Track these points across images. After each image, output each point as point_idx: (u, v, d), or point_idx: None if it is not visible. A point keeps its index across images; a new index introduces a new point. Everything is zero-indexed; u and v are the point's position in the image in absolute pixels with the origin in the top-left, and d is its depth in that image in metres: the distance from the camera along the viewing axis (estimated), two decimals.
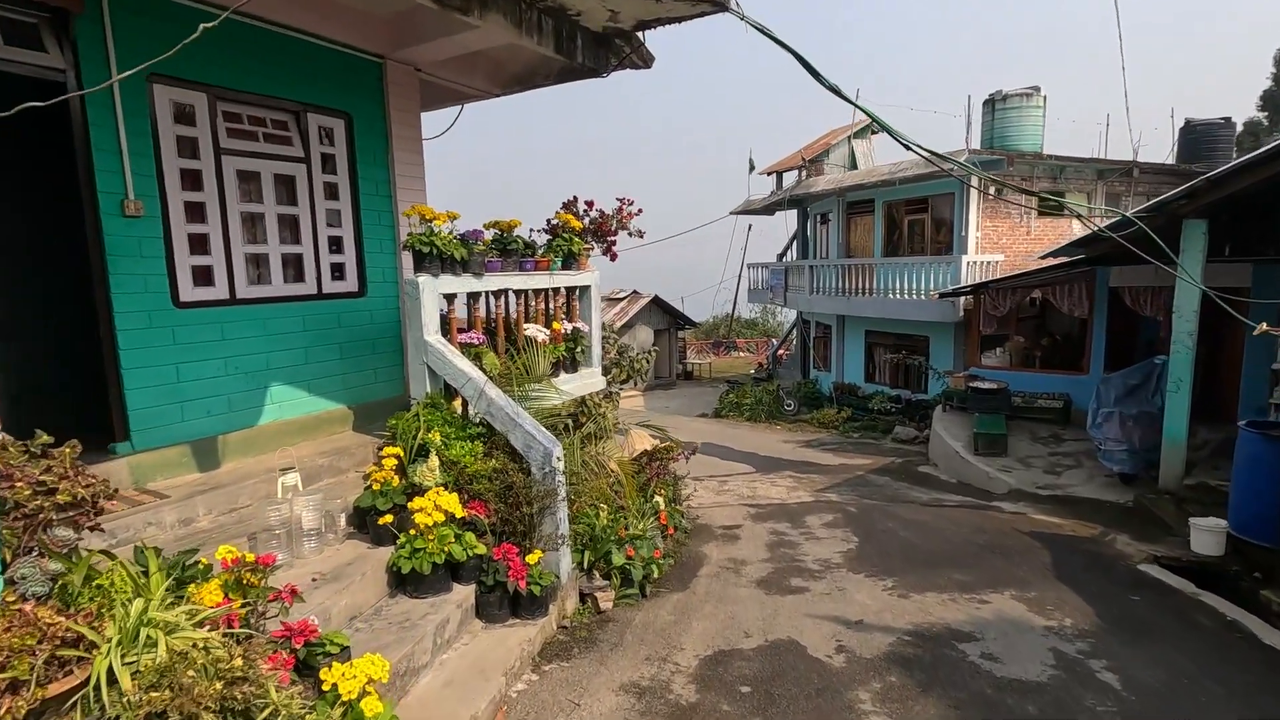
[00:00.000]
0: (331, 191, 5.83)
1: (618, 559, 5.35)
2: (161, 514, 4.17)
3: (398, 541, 4.24)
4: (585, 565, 5.33)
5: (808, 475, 11.93)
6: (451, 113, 7.90)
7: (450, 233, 5.29)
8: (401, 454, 4.76)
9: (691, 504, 9.43)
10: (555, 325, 6.45)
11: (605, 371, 12.08)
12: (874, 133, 23.16)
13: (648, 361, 12.60)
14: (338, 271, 5.92)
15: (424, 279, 5.07)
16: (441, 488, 4.51)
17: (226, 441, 5.04)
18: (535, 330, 6.15)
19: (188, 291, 4.87)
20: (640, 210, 7.15)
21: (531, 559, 4.41)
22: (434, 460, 4.52)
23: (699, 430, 16.69)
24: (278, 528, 4.01)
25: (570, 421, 8.16)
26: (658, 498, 7.56)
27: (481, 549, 4.43)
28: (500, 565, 4.40)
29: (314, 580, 3.92)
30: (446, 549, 4.20)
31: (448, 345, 5.17)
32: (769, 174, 23.37)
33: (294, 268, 5.60)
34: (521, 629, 4.35)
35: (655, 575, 5.76)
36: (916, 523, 8.10)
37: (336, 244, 5.90)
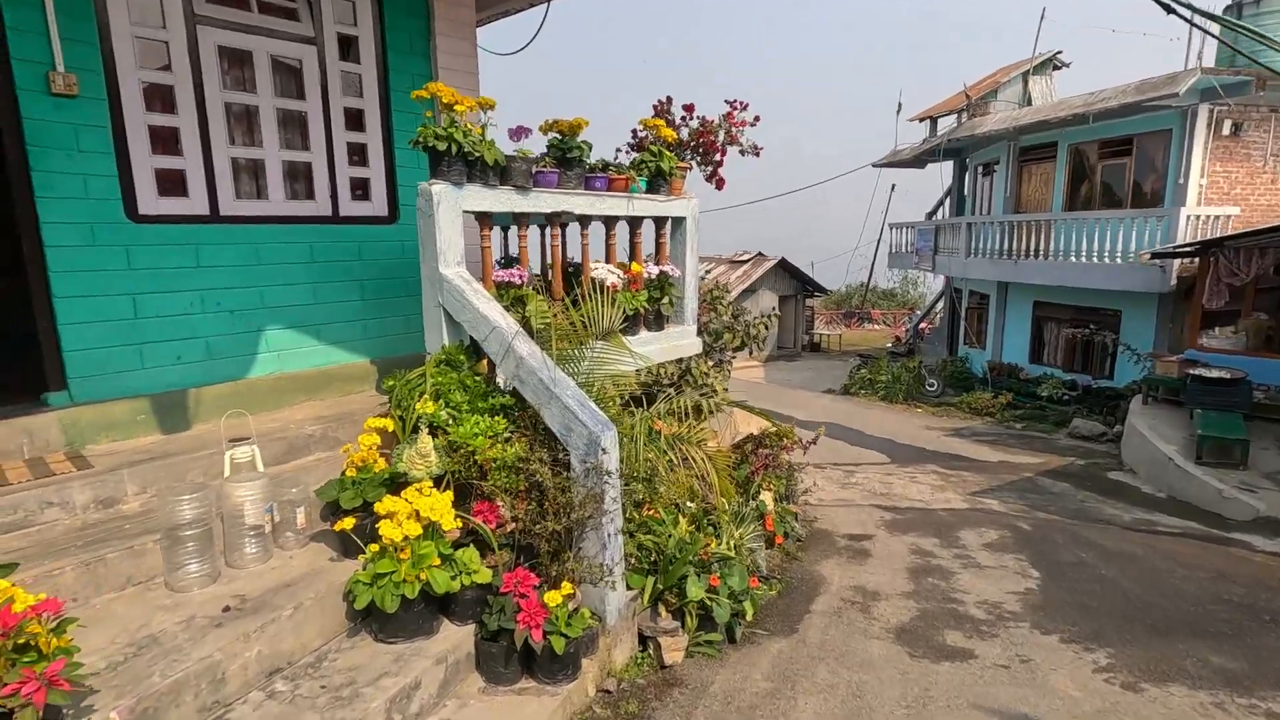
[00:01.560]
0: (353, 85, 4.55)
1: (695, 590, 3.79)
2: (70, 491, 3.10)
3: (364, 557, 2.92)
4: (650, 596, 3.82)
5: (957, 472, 9.72)
6: (520, 24, 6.36)
7: (482, 127, 3.83)
8: (394, 427, 3.44)
9: (809, 499, 7.68)
10: (634, 266, 4.90)
11: (715, 336, 10.41)
12: (1056, 68, 19.41)
13: (767, 327, 10.77)
14: (359, 189, 4.67)
15: (440, 188, 3.66)
16: (434, 482, 3.14)
17: (203, 397, 3.95)
18: (605, 271, 4.63)
19: (149, 202, 3.76)
20: (757, 119, 5.37)
21: (553, 597, 2.95)
22: (425, 441, 3.15)
23: (824, 409, 14.66)
24: (193, 525, 2.79)
25: (671, 390, 6.67)
26: (764, 495, 5.92)
27: (484, 575, 3.02)
28: (508, 602, 2.98)
29: (226, 610, 2.67)
30: (424, 575, 2.81)
31: (470, 282, 3.76)
32: (921, 120, 20.29)
33: (300, 181, 4.40)
34: (535, 700, 2.91)
35: (749, 614, 4.14)
36: (1123, 556, 5.89)
37: (359, 154, 4.64)
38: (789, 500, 6.86)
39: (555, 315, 4.15)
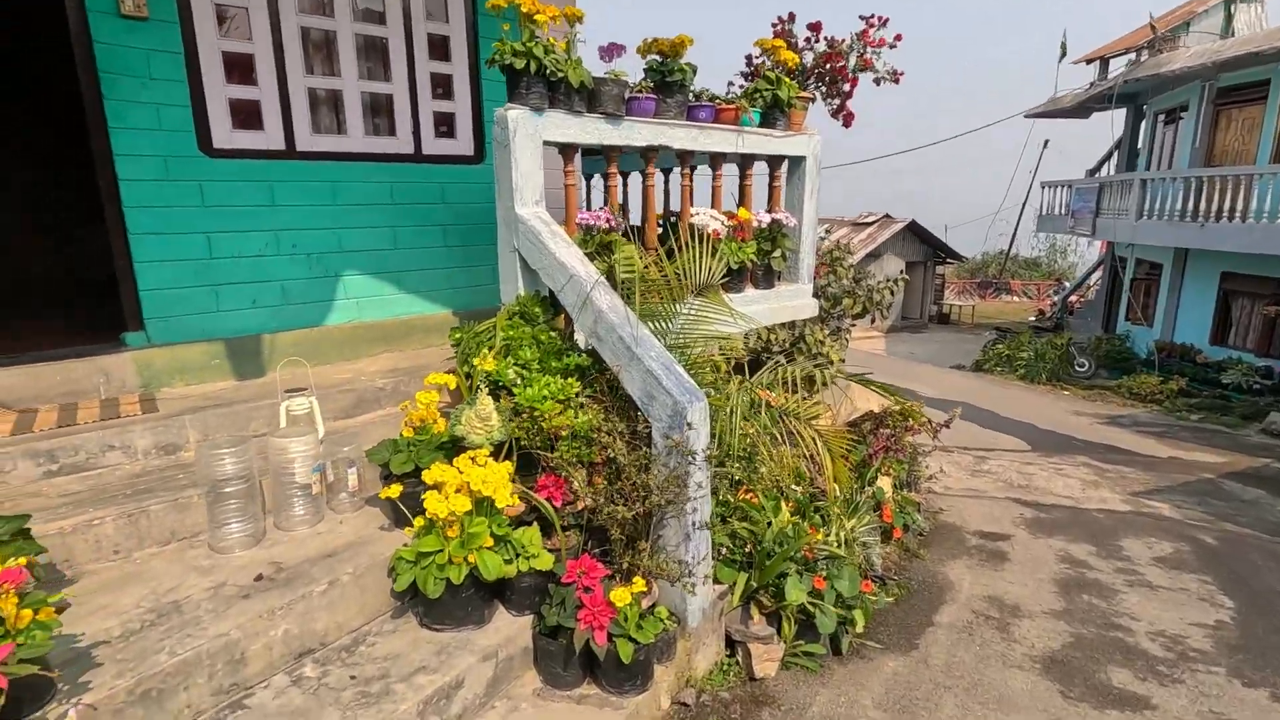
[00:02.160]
0: (437, 7, 4.15)
1: (795, 593, 3.21)
2: (132, 435, 2.96)
3: (410, 531, 2.57)
4: (742, 594, 3.28)
5: (1115, 467, 8.39)
6: None
7: (567, 42, 3.31)
8: (457, 385, 3.07)
9: (932, 487, 6.82)
10: (742, 213, 4.25)
11: (832, 302, 9.54)
12: None
13: (892, 293, 9.74)
14: (444, 125, 4.31)
15: (518, 114, 3.19)
16: (495, 450, 2.73)
17: (277, 343, 3.77)
18: (706, 216, 4.02)
19: (223, 134, 3.55)
20: (899, 38, 4.50)
21: (621, 595, 2.48)
22: (485, 402, 2.74)
23: (953, 386, 13.33)
24: (234, 481, 2.54)
25: (781, 358, 6.07)
26: (881, 481, 5.20)
27: (544, 560, 2.60)
28: (569, 595, 2.54)
29: (258, 579, 2.40)
30: (472, 559, 2.42)
31: (549, 224, 3.29)
32: (1089, 61, 17.70)
33: (381, 115, 4.08)
34: (595, 712, 2.48)
35: (859, 624, 3.51)
36: None
37: (443, 86, 4.27)
38: (910, 488, 6.06)
39: (646, 266, 3.61)
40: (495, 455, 2.79)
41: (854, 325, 10.61)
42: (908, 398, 7.52)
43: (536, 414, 2.82)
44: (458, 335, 3.20)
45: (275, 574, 2.43)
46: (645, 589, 2.61)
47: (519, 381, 2.98)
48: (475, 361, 2.90)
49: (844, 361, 9.63)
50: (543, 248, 3.18)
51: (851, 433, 5.37)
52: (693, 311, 3.64)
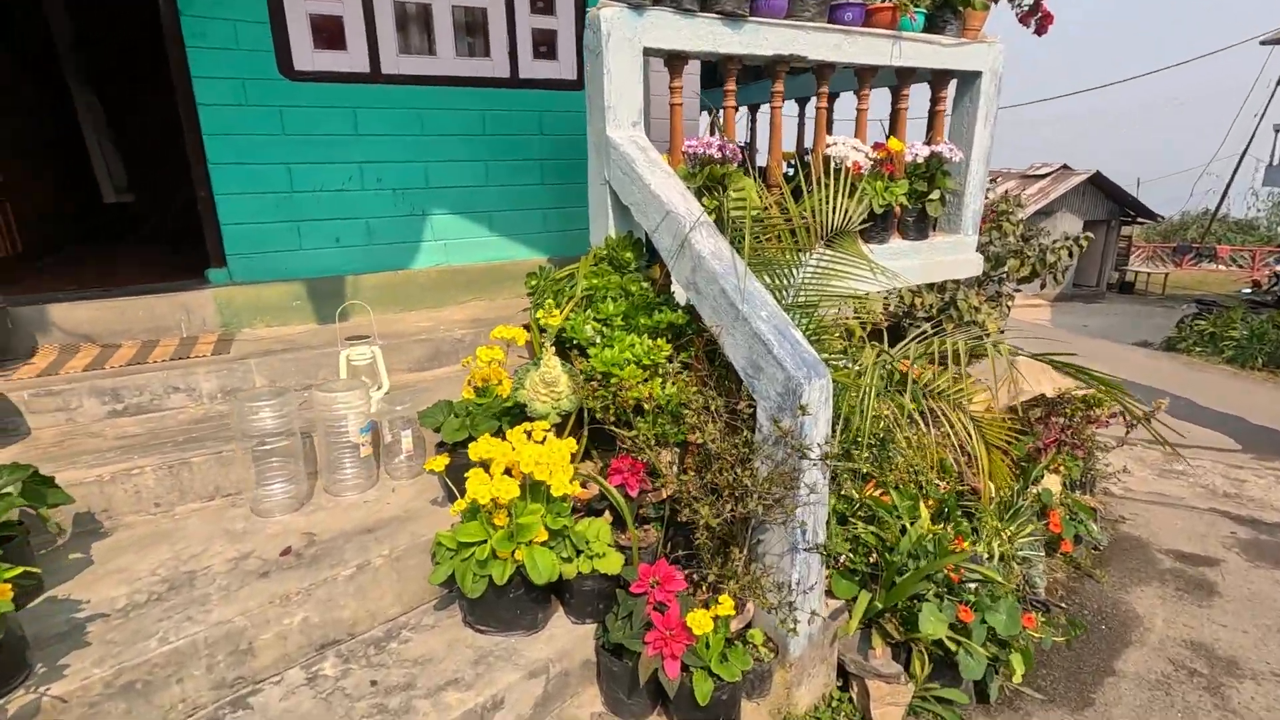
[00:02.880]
0: None
1: (933, 625, 2.53)
2: (197, 378, 2.78)
3: (456, 509, 2.16)
4: (863, 616, 2.64)
5: None
6: None
7: None
8: (527, 340, 2.61)
9: (1109, 487, 5.70)
10: (893, 143, 3.44)
11: (994, 262, 8.32)
12: None
13: (1070, 254, 8.32)
14: (543, 45, 3.80)
15: (612, 14, 2.60)
16: (563, 422, 2.26)
17: (360, 286, 3.52)
18: (845, 147, 3.27)
19: (304, 55, 3.26)
20: None
21: (700, 621, 1.94)
22: (551, 364, 2.25)
23: (1138, 367, 11.43)
24: (272, 436, 2.25)
25: (927, 326, 5.21)
26: (1049, 480, 4.29)
27: (612, 561, 2.11)
28: (638, 608, 2.04)
29: (285, 552, 2.10)
30: (520, 554, 1.98)
31: (646, 150, 2.71)
32: None
33: (474, 33, 3.64)
34: None
35: (1017, 670, 2.76)
36: None
37: None
38: (1084, 489, 5.02)
39: (766, 207, 2.94)
40: (562, 429, 2.32)
41: (1018, 291, 9.23)
42: (1092, 383, 6.34)
43: (614, 381, 2.31)
44: (534, 282, 2.73)
45: (306, 548, 2.13)
46: (734, 611, 2.06)
47: (597, 340, 2.47)
48: (539, 315, 2.42)
49: (1003, 333, 8.39)
50: (635, 178, 2.61)
51: (1013, 419, 4.46)
52: (822, 264, 2.95)
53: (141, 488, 2.27)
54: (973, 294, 7.96)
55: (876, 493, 3.13)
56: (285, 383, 2.91)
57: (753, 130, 4.47)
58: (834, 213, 3.05)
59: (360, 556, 2.07)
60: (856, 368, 2.59)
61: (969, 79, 3.59)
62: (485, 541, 1.97)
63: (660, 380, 2.33)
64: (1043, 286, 9.43)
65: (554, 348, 2.51)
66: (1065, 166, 19.54)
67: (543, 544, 2.04)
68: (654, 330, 2.55)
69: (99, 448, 2.41)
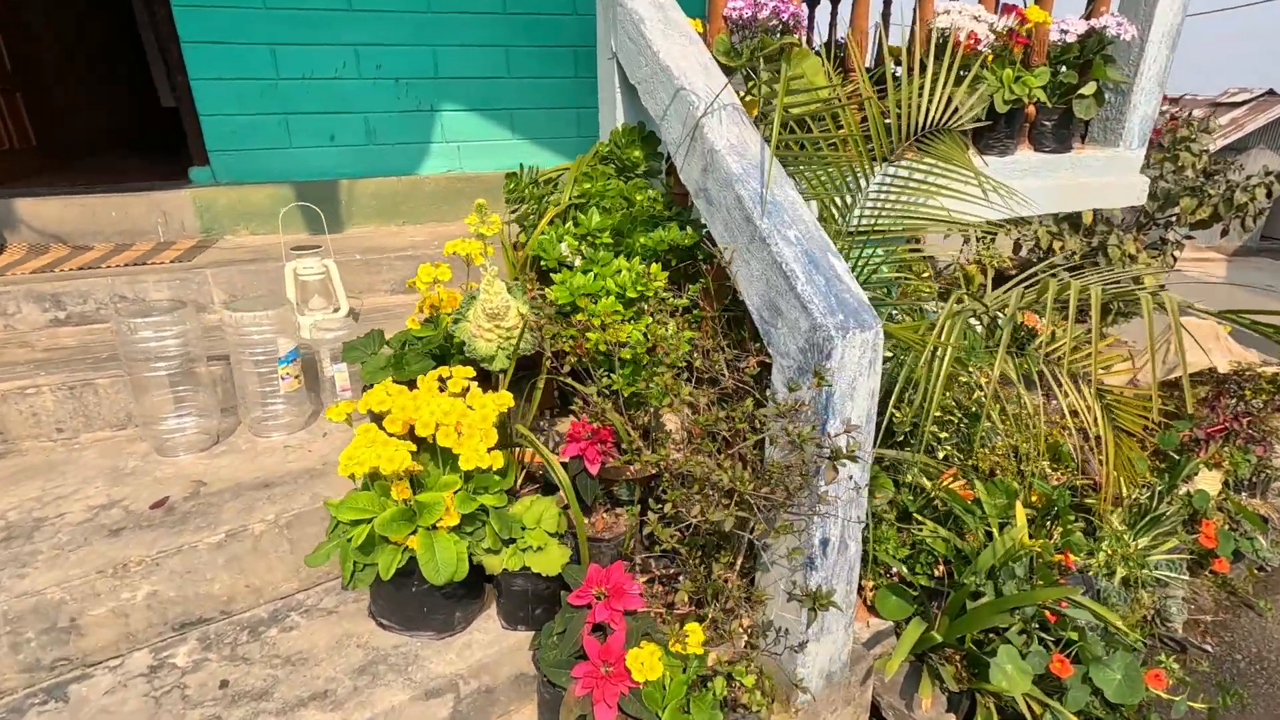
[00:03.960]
0: None
1: (1009, 678, 1.83)
2: (146, 287, 2.44)
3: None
4: (914, 646, 1.97)
5: None
6: None
7: None
8: (507, 256, 2.04)
9: None
10: (1033, 10, 2.50)
11: (1161, 202, 6.89)
12: None
13: (1268, 194, 6.76)
14: None
15: None
16: (510, 367, 1.70)
17: (357, 192, 3.06)
18: (963, 16, 2.38)
19: None
20: None
21: (648, 664, 1.37)
22: (496, 291, 1.67)
23: None
24: (164, 359, 1.84)
25: (1065, 274, 4.23)
26: (1204, 479, 3.35)
27: (550, 558, 1.57)
28: (573, 625, 1.50)
29: (158, 504, 1.70)
30: (413, 542, 1.47)
31: (664, 7, 2.00)
32: None
33: None
34: None
35: None
36: None
37: None
38: (1253, 490, 3.95)
39: (835, 96, 2.16)
40: (526, 378, 1.76)
41: (1189, 239, 7.65)
42: (1258, 350, 5.06)
43: (579, 318, 1.71)
44: (513, 184, 2.13)
45: (185, 500, 1.73)
46: (701, 650, 1.47)
47: (576, 262, 1.87)
48: (470, 221, 1.83)
49: (1163, 288, 6.97)
50: (643, 45, 1.92)
51: (1167, 398, 3.48)
52: (908, 176, 2.16)
53: (40, 409, 1.95)
54: (1129, 239, 6.62)
55: (957, 484, 2.40)
56: (250, 296, 2.52)
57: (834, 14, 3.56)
58: (932, 105, 2.22)
59: (239, 520, 1.64)
60: (930, 321, 1.83)
61: None
62: (374, 518, 1.47)
63: (646, 320, 1.71)
64: (1224, 234, 7.75)
65: (532, 272, 1.94)
66: (1271, 92, 16.24)
67: (453, 529, 1.52)
68: (653, 254, 1.90)
69: (20, 359, 2.12)
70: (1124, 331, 7.13)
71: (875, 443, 2.24)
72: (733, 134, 1.74)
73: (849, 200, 2.08)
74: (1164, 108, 10.23)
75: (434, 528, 1.50)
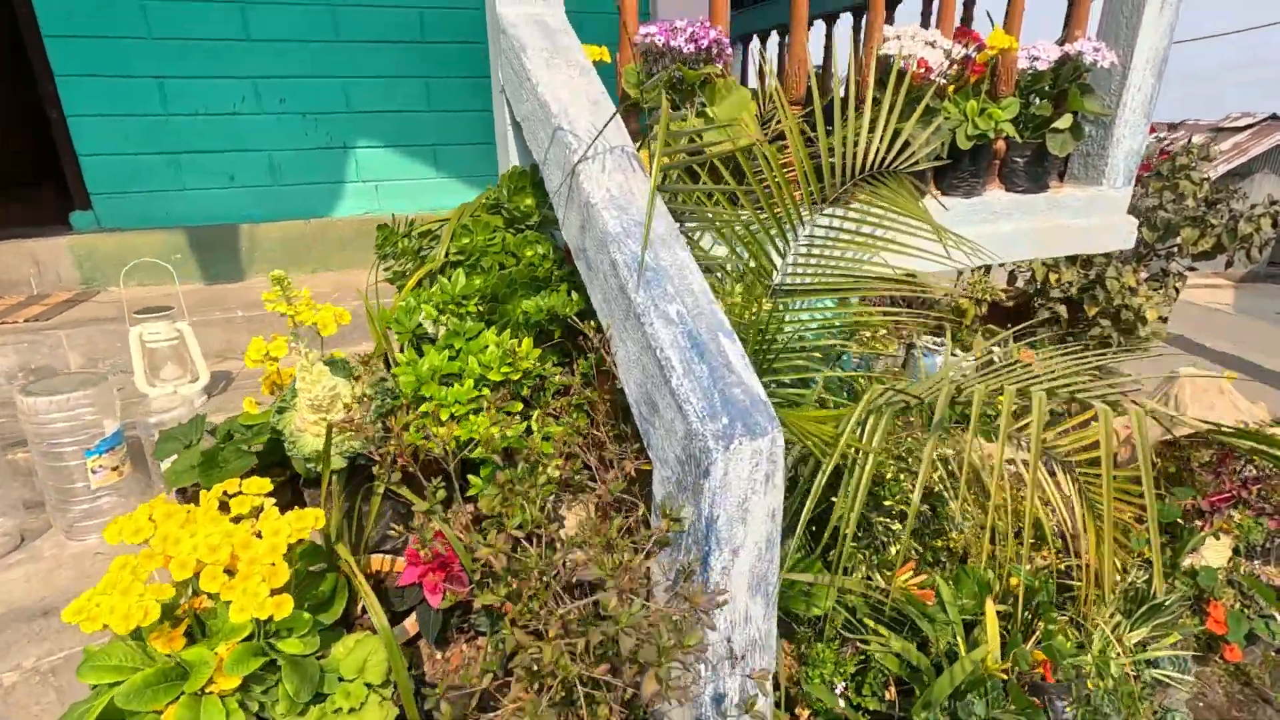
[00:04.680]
0: None
1: None
2: None
3: None
4: None
5: None
6: None
7: None
8: (375, 325, 1.73)
9: None
10: (998, 36, 2.20)
11: (1161, 231, 6.60)
12: None
13: (1273, 224, 6.46)
14: None
15: None
16: (343, 467, 1.37)
17: (260, 237, 2.77)
18: (914, 42, 2.09)
19: None
20: None
21: None
22: (317, 378, 1.35)
23: None
24: None
25: (1061, 307, 4.08)
26: (1210, 551, 3.01)
27: None
28: None
29: None
30: (169, 715, 1.13)
31: (553, 33, 1.71)
32: None
33: None
34: None
35: None
36: None
37: None
38: (1266, 558, 3.57)
39: (769, 134, 1.85)
40: (347, 479, 1.43)
41: (1192, 270, 7.32)
42: (1270, 385, 4.73)
43: (432, 406, 1.39)
44: (384, 237, 1.82)
45: None
46: None
47: (438, 334, 1.55)
48: (281, 306, 1.51)
49: (1164, 321, 6.62)
50: (523, 75, 1.63)
51: (1167, 459, 3.14)
52: (854, 220, 1.85)
53: None
54: (1128, 271, 6.28)
55: (914, 580, 2.05)
56: (112, 361, 2.22)
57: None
58: (874, 144, 1.91)
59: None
60: (860, 408, 1.49)
61: None
62: (118, 684, 1.14)
63: (492, 414, 1.39)
64: (1229, 265, 7.42)
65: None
66: (1274, 116, 15.99)
67: (233, 692, 1.18)
68: (537, 324, 1.59)
69: None
70: (1128, 367, 6.77)
71: (815, 548, 1.90)
72: (615, 183, 1.43)
73: (778, 252, 1.76)
74: (1163, 134, 9.93)
75: (204, 692, 1.17)
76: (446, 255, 1.73)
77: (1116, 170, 2.48)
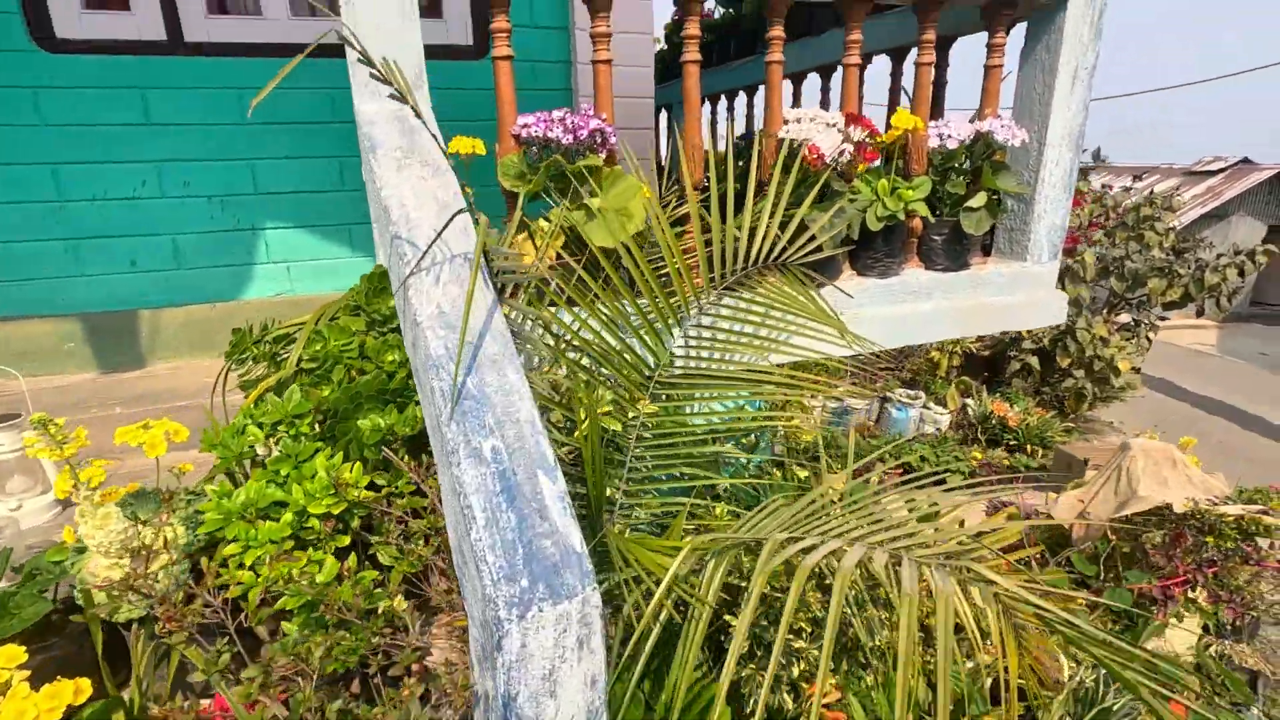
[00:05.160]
0: None
1: None
2: None
3: None
4: None
5: None
6: None
7: None
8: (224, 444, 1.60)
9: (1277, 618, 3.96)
10: (902, 118, 2.13)
11: (1130, 282, 6.59)
12: None
13: (1241, 273, 6.43)
14: None
15: None
16: (142, 615, 1.22)
17: (163, 323, 2.66)
18: (814, 126, 2.02)
19: (69, 18, 2.43)
20: None
21: None
22: (101, 520, 1.22)
23: None
24: None
25: (1032, 359, 3.89)
26: (1175, 633, 2.85)
27: None
28: None
29: None
30: None
31: (412, 132, 1.63)
32: None
33: None
34: None
35: None
36: None
37: None
38: (1239, 637, 3.38)
39: (660, 215, 1.76)
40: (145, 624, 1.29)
41: (1163, 320, 7.26)
42: (1254, 430, 4.64)
43: (238, 549, 1.25)
44: (238, 338, 1.71)
45: None
46: None
47: (267, 459, 1.42)
48: (42, 451, 1.39)
49: (1137, 372, 6.51)
50: (372, 175, 1.54)
51: (1125, 538, 2.99)
52: (754, 318, 1.74)
53: None
54: (1098, 321, 6.22)
55: (830, 697, 1.88)
56: None
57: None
58: (757, 237, 1.82)
59: None
60: (682, 555, 1.34)
61: (1046, 17, 2.22)
62: None
63: (311, 553, 1.25)
64: (1199, 314, 7.36)
65: (234, 465, 1.50)
66: (1246, 160, 16.25)
67: None
68: (382, 442, 1.46)
69: None
70: (1110, 413, 6.64)
71: (715, 666, 1.74)
72: (449, 298, 1.33)
73: (658, 344, 1.65)
74: (1128, 183, 9.98)
75: None
76: (299, 363, 1.62)
77: (1040, 246, 2.40)
